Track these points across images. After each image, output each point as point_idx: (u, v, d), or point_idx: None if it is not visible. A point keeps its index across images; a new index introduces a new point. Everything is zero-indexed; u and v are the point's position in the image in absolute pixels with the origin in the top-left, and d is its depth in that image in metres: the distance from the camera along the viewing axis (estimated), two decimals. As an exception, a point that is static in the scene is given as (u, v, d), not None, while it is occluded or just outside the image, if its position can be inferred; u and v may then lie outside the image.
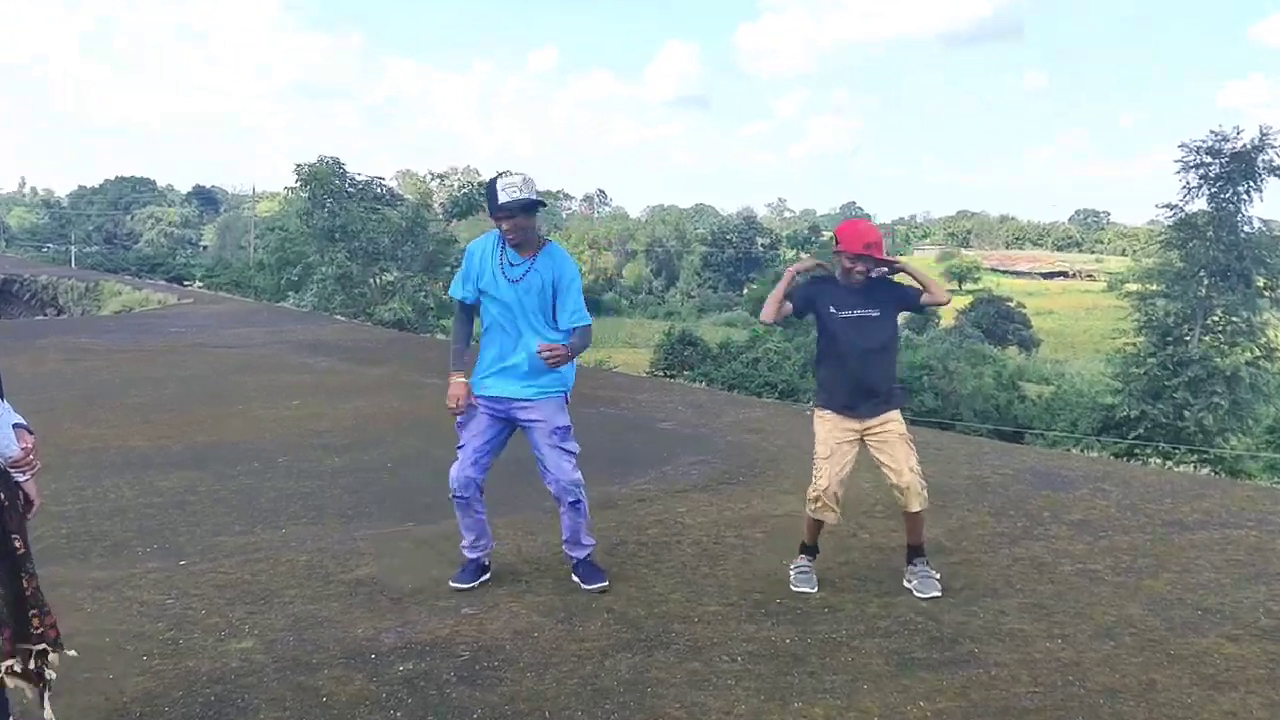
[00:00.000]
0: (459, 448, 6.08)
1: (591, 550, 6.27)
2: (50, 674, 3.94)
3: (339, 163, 39.75)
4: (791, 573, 6.26)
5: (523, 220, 5.78)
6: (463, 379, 6.07)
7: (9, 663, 3.83)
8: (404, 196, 47.60)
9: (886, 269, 6.11)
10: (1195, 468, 27.75)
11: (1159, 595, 6.07)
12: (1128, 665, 5.11)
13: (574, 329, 5.96)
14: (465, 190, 42.34)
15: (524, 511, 7.64)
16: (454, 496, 6.08)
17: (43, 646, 3.89)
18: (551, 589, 6.08)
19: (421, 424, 11.09)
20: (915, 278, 6.12)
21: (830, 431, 6.08)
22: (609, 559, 6.57)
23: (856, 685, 4.87)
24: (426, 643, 5.27)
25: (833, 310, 6.03)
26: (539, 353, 5.84)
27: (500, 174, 5.86)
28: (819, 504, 6.08)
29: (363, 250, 38.29)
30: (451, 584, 6.15)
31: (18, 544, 3.80)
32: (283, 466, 9.23)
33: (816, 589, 6.12)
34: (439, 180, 56.95)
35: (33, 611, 3.86)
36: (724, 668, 5.05)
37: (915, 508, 6.04)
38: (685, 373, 46.27)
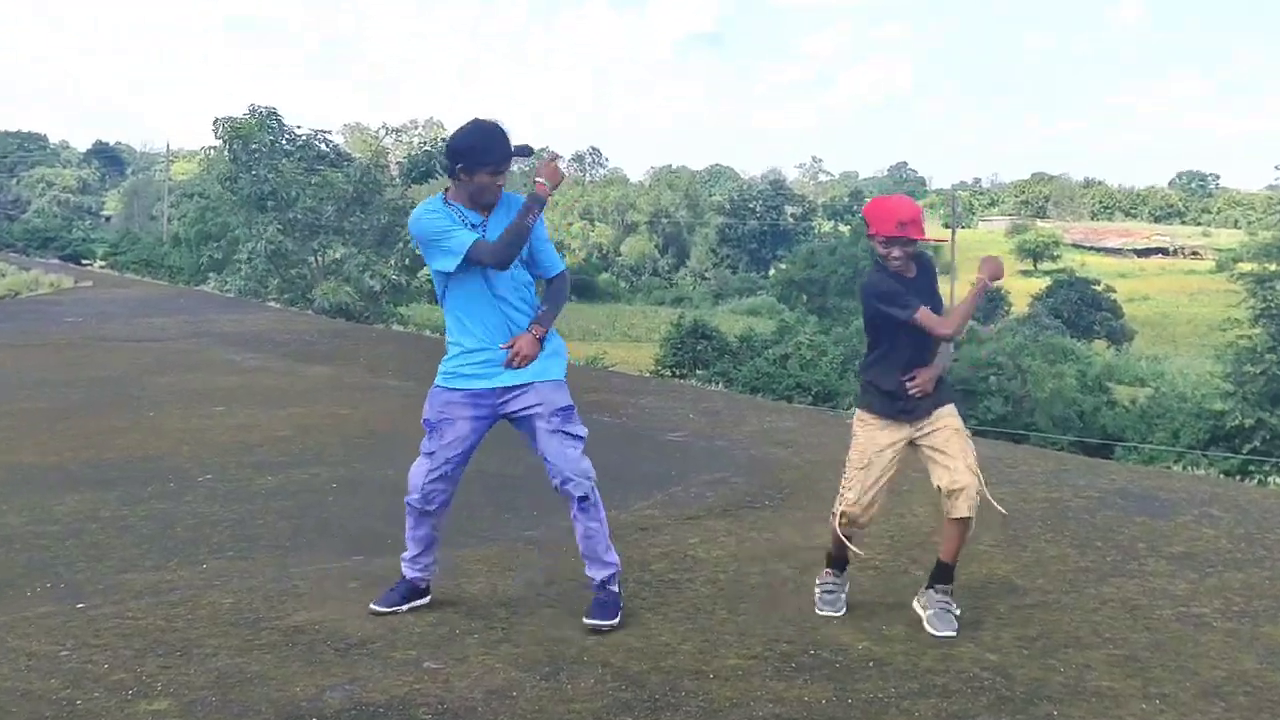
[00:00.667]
0: (425, 453, 6.18)
1: (616, 572, 6.32)
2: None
3: (273, 114, 39.76)
4: (816, 591, 6.43)
5: (503, 177, 6.02)
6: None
7: None
8: (352, 155, 47.55)
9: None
10: (1325, 489, 27.76)
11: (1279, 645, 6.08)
12: (1242, 731, 5.10)
13: (551, 281, 6.23)
14: (428, 147, 42.34)
15: (499, 542, 7.65)
16: (408, 503, 6.22)
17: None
18: (533, 637, 6.07)
19: (374, 436, 11.10)
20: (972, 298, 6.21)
21: (871, 438, 6.21)
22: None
23: (908, 756, 4.87)
24: (380, 704, 5.27)
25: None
26: (510, 361, 6.02)
27: (479, 120, 6.01)
28: (844, 521, 6.23)
29: (301, 221, 38.30)
30: (372, 606, 6.29)
31: None
32: (204, 488, 9.24)
33: (844, 611, 6.29)
34: (395, 135, 57.08)
35: None
36: (746, 734, 5.04)
37: (964, 512, 6.08)
38: (698, 372, 46.33)
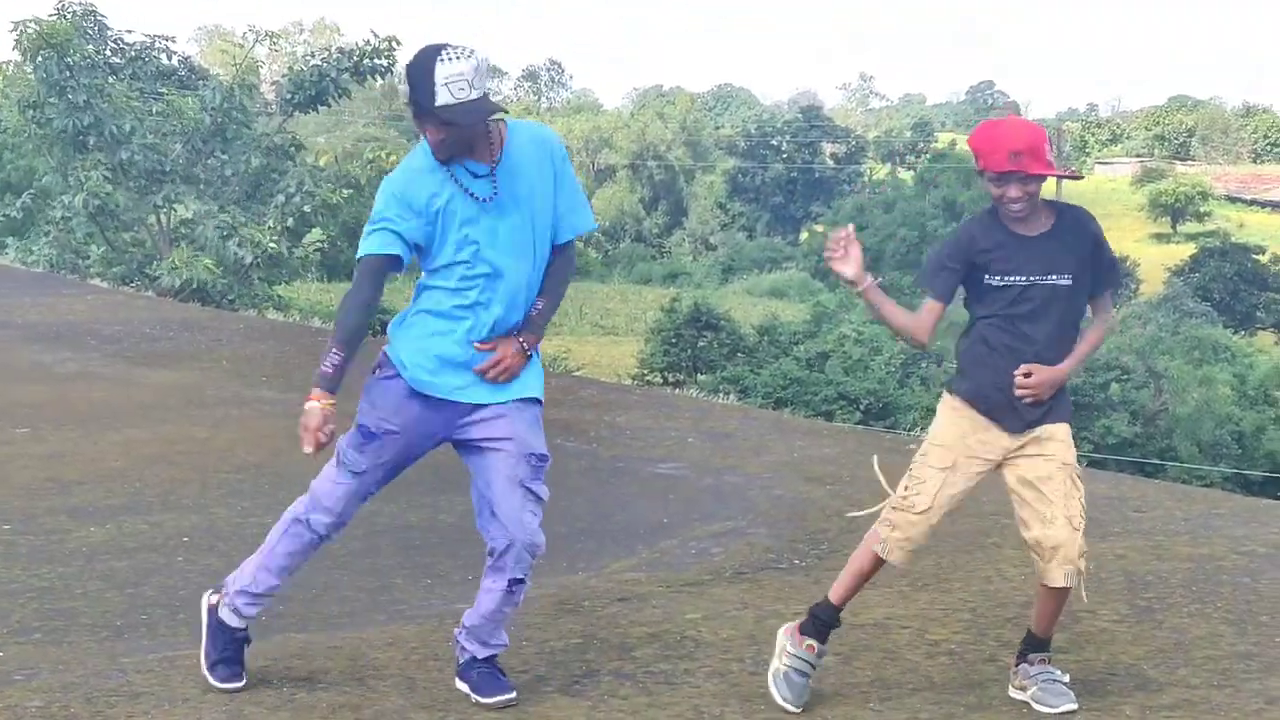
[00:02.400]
0: (353, 472, 6.33)
1: (502, 650, 6.63)
2: None
3: (92, 13, 39.56)
4: (780, 666, 6.51)
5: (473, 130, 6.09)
6: (330, 404, 6.22)
7: None
8: (210, 72, 47.35)
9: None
10: None
11: None
12: None
13: (557, 253, 6.42)
14: (317, 61, 42.21)
15: (416, 619, 7.65)
16: (307, 526, 6.40)
17: None
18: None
19: (244, 470, 11.09)
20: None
21: (963, 434, 6.36)
22: (570, 702, 6.58)
23: None
24: None
25: (989, 279, 6.25)
26: (486, 370, 6.22)
27: (438, 50, 6.02)
28: (895, 532, 6.33)
29: (137, 166, 38.07)
30: (221, 685, 6.52)
31: None
32: (1, 542, 9.23)
33: (803, 706, 6.39)
34: (270, 44, 56.91)
35: None
36: None
37: (1060, 581, 6.22)
38: (701, 378, 46.45)
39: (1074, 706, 6.32)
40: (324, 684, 6.66)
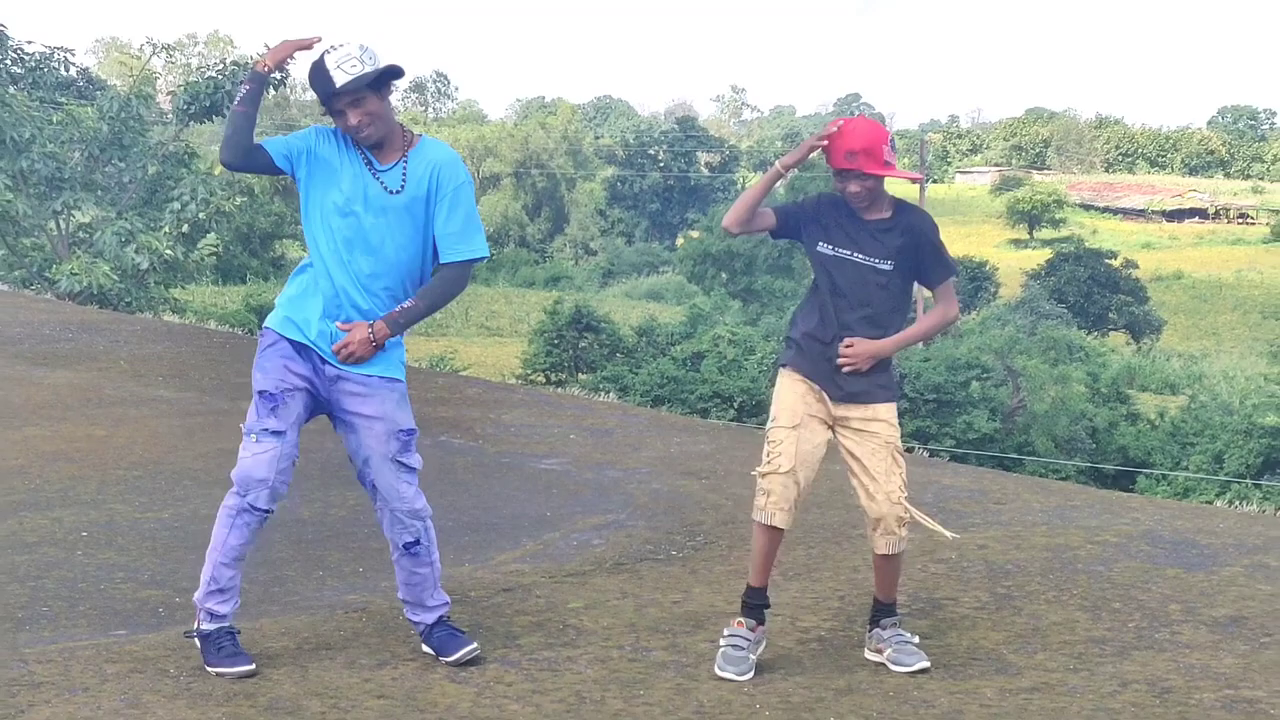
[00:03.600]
0: (265, 432, 6.53)
1: (446, 609, 6.95)
2: None
3: (-9, 25, 39.17)
4: (721, 643, 6.83)
5: (375, 105, 6.40)
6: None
7: None
8: (107, 83, 46.97)
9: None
10: None
11: (1356, 738, 6.17)
12: None
13: (439, 269, 6.70)
14: (212, 73, 41.92)
15: (307, 610, 7.62)
16: (248, 509, 6.58)
17: None
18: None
19: (141, 467, 11.00)
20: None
21: (801, 396, 6.82)
22: (457, 688, 6.56)
23: None
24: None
25: (822, 246, 6.82)
26: (341, 350, 6.49)
27: (326, 49, 6.42)
28: (770, 497, 6.69)
29: (36, 173, 37.74)
30: (234, 671, 6.57)
31: None
32: (-96, 538, 9.12)
33: (751, 674, 6.66)
34: (166, 55, 56.41)
35: None
36: None
37: (883, 550, 6.78)
38: (582, 377, 46.48)
39: (926, 665, 6.74)
40: (220, 673, 6.64)
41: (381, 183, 6.50)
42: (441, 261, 6.69)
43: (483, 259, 6.80)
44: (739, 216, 6.74)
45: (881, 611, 6.95)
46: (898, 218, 6.76)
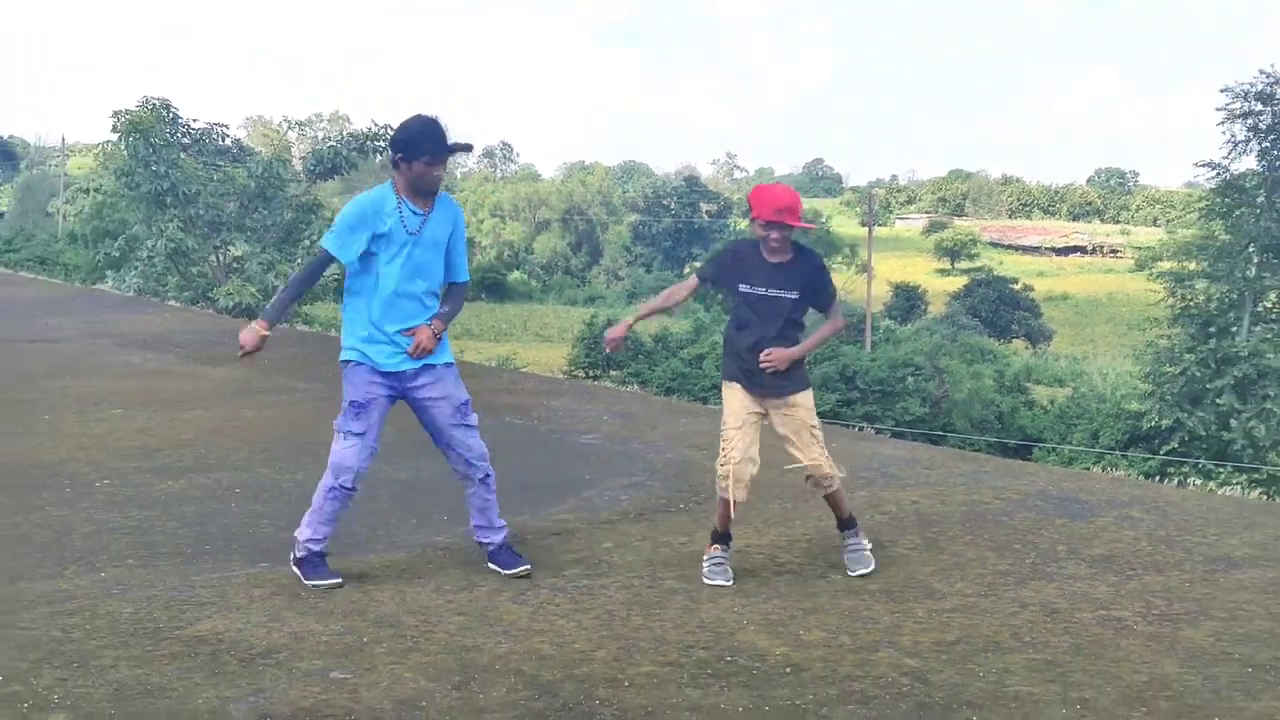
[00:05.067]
0: (357, 434, 6.78)
1: (507, 533, 7.25)
2: None
3: (168, 107, 39.26)
4: (704, 565, 7.12)
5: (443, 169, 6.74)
6: (265, 330, 6.79)
7: None
8: (254, 150, 47.10)
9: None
10: (1244, 490, 28.09)
11: (1200, 649, 6.15)
12: (1161, 735, 5.16)
13: (453, 287, 7.08)
14: (333, 142, 41.90)
15: (408, 549, 7.61)
16: (339, 488, 6.84)
17: None
18: (443, 646, 6.05)
19: (281, 441, 11.00)
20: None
21: (741, 402, 7.06)
22: (518, 607, 6.56)
23: (827, 763, 4.88)
24: (285, 716, 5.22)
25: (743, 286, 7.04)
26: (412, 352, 6.78)
27: (420, 115, 6.73)
28: (728, 480, 6.95)
29: (201, 218, 37.86)
30: (314, 583, 6.82)
31: None
32: (103, 493, 9.13)
33: (732, 581, 6.99)
34: (299, 129, 56.48)
35: None
36: (662, 743, 5.05)
37: (823, 491, 7.19)
38: (612, 373, 46.30)
39: (869, 569, 7.15)
40: (360, 590, 6.67)
41: (407, 227, 6.72)
42: (455, 281, 7.08)
43: (467, 280, 7.23)
44: (669, 298, 7.41)
45: (842, 524, 7.31)
46: (797, 259, 7.01)
